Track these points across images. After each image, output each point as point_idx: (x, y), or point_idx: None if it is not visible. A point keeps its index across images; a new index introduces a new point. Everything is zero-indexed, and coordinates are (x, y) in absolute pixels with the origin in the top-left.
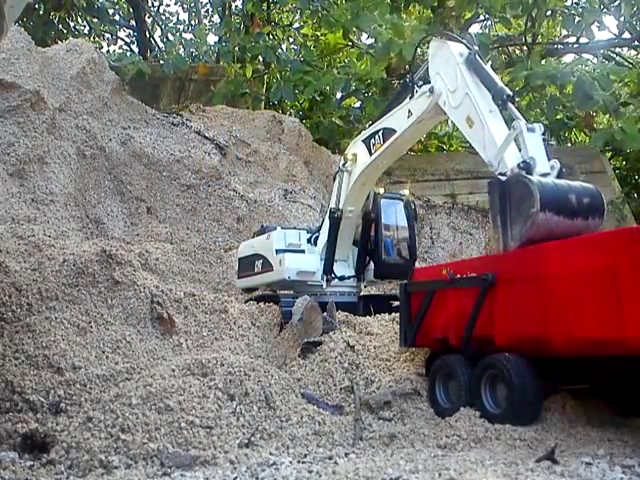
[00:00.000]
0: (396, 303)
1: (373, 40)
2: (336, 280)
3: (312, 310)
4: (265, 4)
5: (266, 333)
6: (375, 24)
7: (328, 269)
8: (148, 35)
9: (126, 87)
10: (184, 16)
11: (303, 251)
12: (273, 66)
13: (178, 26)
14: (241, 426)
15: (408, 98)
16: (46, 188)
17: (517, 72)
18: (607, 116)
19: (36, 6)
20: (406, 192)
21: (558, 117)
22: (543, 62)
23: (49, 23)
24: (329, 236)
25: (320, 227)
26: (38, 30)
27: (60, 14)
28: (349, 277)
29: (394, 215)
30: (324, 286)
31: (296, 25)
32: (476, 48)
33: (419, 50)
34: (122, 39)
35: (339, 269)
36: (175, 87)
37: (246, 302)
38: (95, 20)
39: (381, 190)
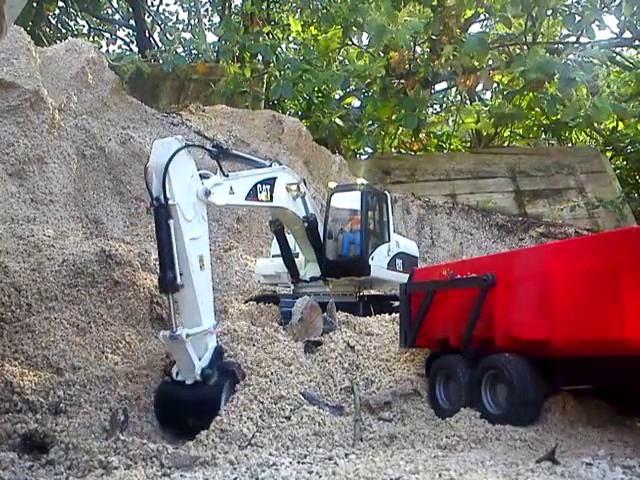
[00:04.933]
0: (396, 303)
1: (368, 34)
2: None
3: (313, 310)
4: (265, 3)
5: None
6: (371, 15)
7: (292, 272)
8: (147, 34)
9: (125, 87)
10: (184, 15)
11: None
12: (272, 65)
13: (177, 25)
14: (241, 426)
15: None
16: (46, 188)
17: (514, 68)
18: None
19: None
20: (363, 181)
21: (558, 117)
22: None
23: (39, 15)
24: (279, 246)
25: None
26: (26, 22)
27: (52, 8)
28: (312, 279)
29: (344, 209)
30: (291, 288)
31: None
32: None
33: (418, 49)
34: (122, 39)
35: (313, 270)
36: (174, 87)
37: (246, 302)
38: (95, 19)
39: (332, 185)
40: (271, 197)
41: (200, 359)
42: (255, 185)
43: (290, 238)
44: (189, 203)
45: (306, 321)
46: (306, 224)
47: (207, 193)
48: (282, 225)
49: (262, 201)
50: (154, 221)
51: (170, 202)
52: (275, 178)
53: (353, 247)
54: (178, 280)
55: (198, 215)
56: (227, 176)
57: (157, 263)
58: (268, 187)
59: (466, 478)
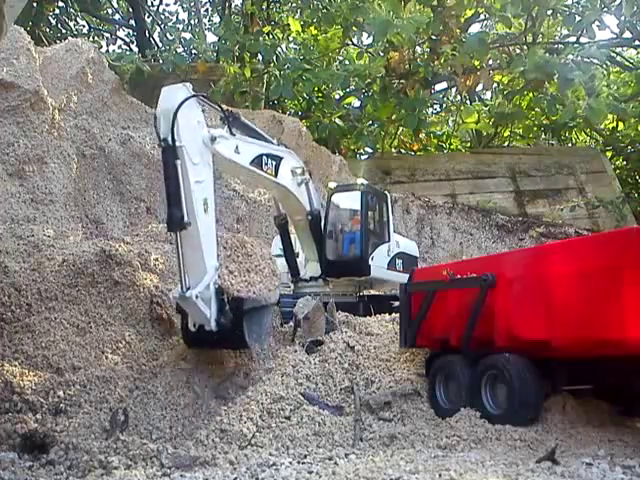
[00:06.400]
0: (396, 303)
1: (369, 33)
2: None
3: (316, 310)
4: (265, 3)
5: None
6: (373, 13)
7: (293, 270)
8: (147, 34)
9: (125, 87)
10: (184, 15)
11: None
12: (272, 65)
13: (177, 25)
14: (241, 426)
15: None
16: (45, 188)
17: (514, 67)
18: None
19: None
20: (363, 181)
21: (558, 117)
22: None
23: (39, 15)
24: (282, 242)
25: None
26: (26, 22)
27: (52, 8)
28: (312, 278)
29: (344, 209)
30: (291, 287)
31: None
32: None
33: (418, 49)
34: (122, 39)
35: (313, 270)
36: None
37: None
38: (95, 19)
39: (332, 185)
40: (276, 174)
41: (209, 307)
42: (260, 156)
43: (292, 237)
44: (195, 147)
45: (310, 320)
46: (310, 217)
47: (212, 139)
48: (286, 219)
49: (267, 173)
50: (162, 161)
51: (177, 144)
52: (282, 158)
53: (353, 247)
54: (185, 218)
55: (204, 160)
56: (234, 135)
57: (156, 263)
58: (274, 163)
59: (466, 478)
